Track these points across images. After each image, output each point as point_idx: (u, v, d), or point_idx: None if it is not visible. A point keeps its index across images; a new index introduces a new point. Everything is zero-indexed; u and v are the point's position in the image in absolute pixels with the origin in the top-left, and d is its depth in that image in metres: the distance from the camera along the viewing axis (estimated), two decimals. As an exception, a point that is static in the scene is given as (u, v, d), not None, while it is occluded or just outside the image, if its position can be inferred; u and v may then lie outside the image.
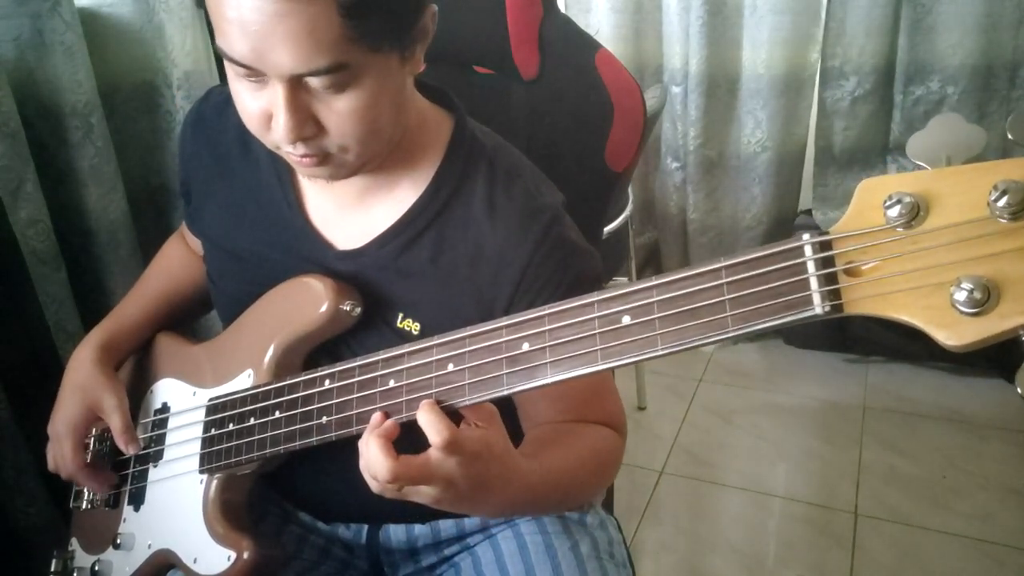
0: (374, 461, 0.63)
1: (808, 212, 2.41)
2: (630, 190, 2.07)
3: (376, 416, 0.67)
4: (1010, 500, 1.85)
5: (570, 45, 1.04)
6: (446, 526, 0.91)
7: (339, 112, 0.69)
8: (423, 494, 0.64)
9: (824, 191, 2.37)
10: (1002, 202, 0.43)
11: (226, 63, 0.69)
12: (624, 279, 2.21)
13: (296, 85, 0.67)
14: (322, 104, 0.69)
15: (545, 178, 0.85)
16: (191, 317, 1.06)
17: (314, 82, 0.67)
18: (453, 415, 0.65)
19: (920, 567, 1.70)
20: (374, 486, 0.64)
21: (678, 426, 2.16)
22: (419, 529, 0.91)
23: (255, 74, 0.67)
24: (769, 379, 2.35)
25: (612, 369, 0.58)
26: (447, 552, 0.93)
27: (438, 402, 0.64)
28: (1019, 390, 0.46)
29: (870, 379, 2.29)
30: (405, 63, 0.72)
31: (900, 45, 2.14)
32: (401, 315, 0.80)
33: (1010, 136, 0.47)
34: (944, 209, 0.46)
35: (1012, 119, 0.47)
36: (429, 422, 0.63)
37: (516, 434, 0.81)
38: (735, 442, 2.11)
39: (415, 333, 0.80)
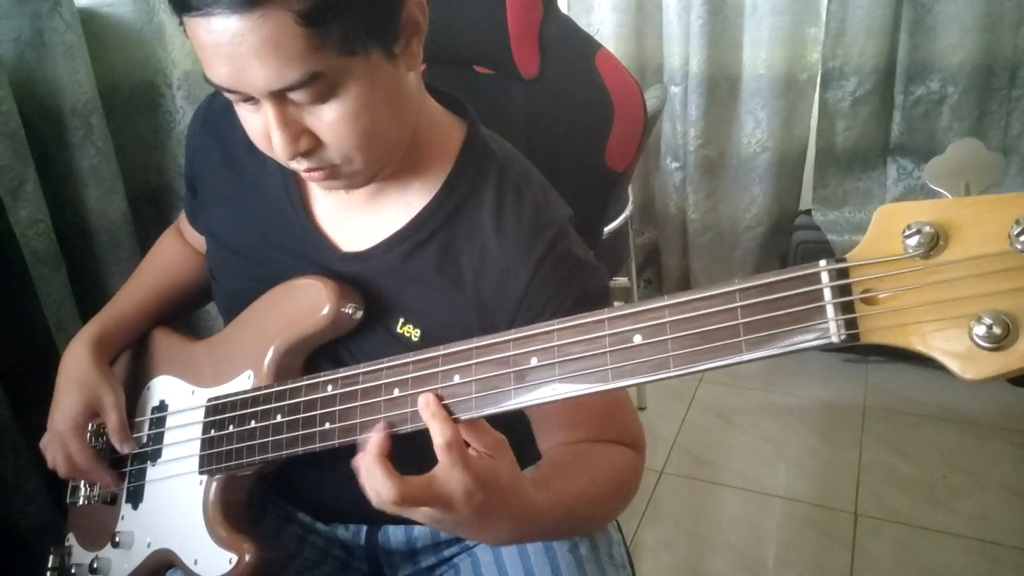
0: (379, 484, 0.61)
1: (808, 212, 2.41)
2: (630, 190, 2.07)
3: (374, 437, 0.65)
4: (1010, 500, 1.85)
5: (570, 45, 1.04)
6: None
7: (330, 122, 0.68)
8: (423, 514, 0.63)
9: (824, 192, 2.37)
10: None
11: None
12: (624, 279, 2.21)
13: (281, 101, 0.67)
14: (312, 117, 0.68)
15: (553, 191, 0.84)
16: (185, 312, 1.05)
17: (296, 96, 0.66)
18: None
19: (920, 567, 1.70)
20: (375, 502, 0.63)
21: (678, 426, 2.16)
22: (418, 530, 0.91)
23: (244, 97, 0.68)
24: (769, 379, 2.34)
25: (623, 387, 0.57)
26: (446, 553, 0.93)
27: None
28: None
29: (870, 379, 2.29)
30: (395, 60, 0.70)
31: (900, 45, 2.14)
32: (402, 320, 0.80)
33: None
34: (964, 240, 0.46)
35: None
36: (434, 424, 0.62)
37: (524, 445, 0.81)
38: (735, 442, 2.11)
39: (415, 340, 0.79)
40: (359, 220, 0.83)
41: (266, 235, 0.87)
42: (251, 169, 0.88)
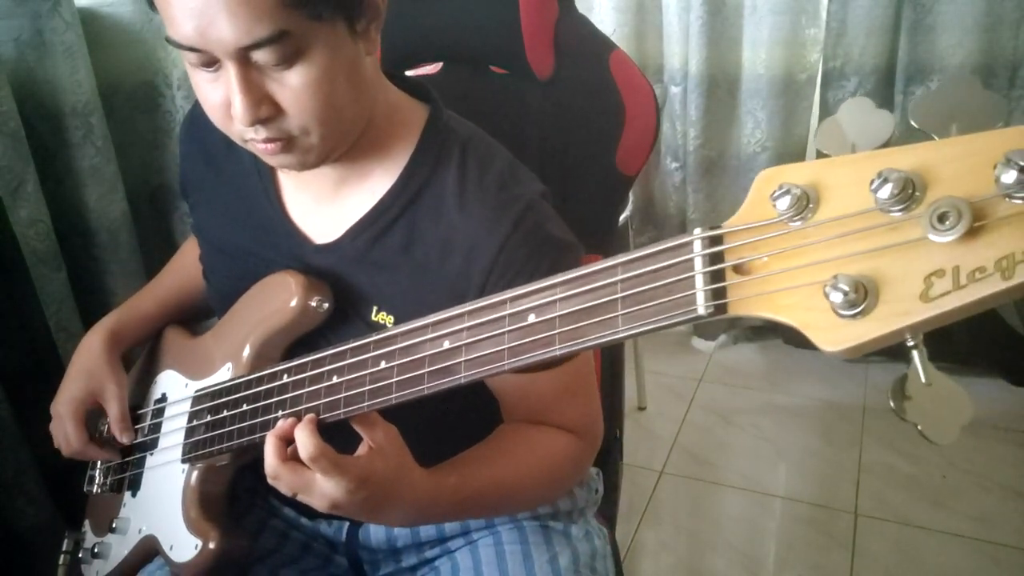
0: (266, 455, 0.67)
1: (808, 212, 2.41)
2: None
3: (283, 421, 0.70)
4: (1010, 500, 1.85)
5: (585, 45, 1.02)
6: (426, 528, 0.91)
7: (293, 88, 0.68)
8: (312, 504, 0.67)
9: (824, 191, 2.37)
10: (883, 192, 0.39)
11: (183, 57, 0.70)
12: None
13: (246, 63, 0.67)
14: (275, 83, 0.69)
15: (523, 167, 0.83)
16: (201, 316, 1.07)
17: (261, 57, 0.66)
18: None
19: (920, 567, 1.70)
20: (269, 480, 0.68)
21: (678, 426, 2.16)
22: (398, 530, 0.92)
23: (207, 59, 0.68)
24: (769, 379, 2.34)
25: (519, 369, 0.56)
26: (428, 554, 0.94)
27: (340, 406, 0.66)
28: (890, 404, 0.42)
29: (870, 379, 2.29)
30: (356, 38, 0.71)
31: (900, 45, 2.14)
32: (375, 308, 0.80)
33: (913, 123, 0.44)
34: (832, 201, 0.42)
35: (914, 104, 0.44)
36: (299, 438, 0.66)
37: (479, 421, 0.83)
38: (735, 442, 2.11)
39: (389, 326, 0.79)
40: (327, 211, 0.83)
41: (247, 232, 0.88)
42: (229, 168, 0.89)
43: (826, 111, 2.27)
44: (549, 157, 0.86)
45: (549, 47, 1.00)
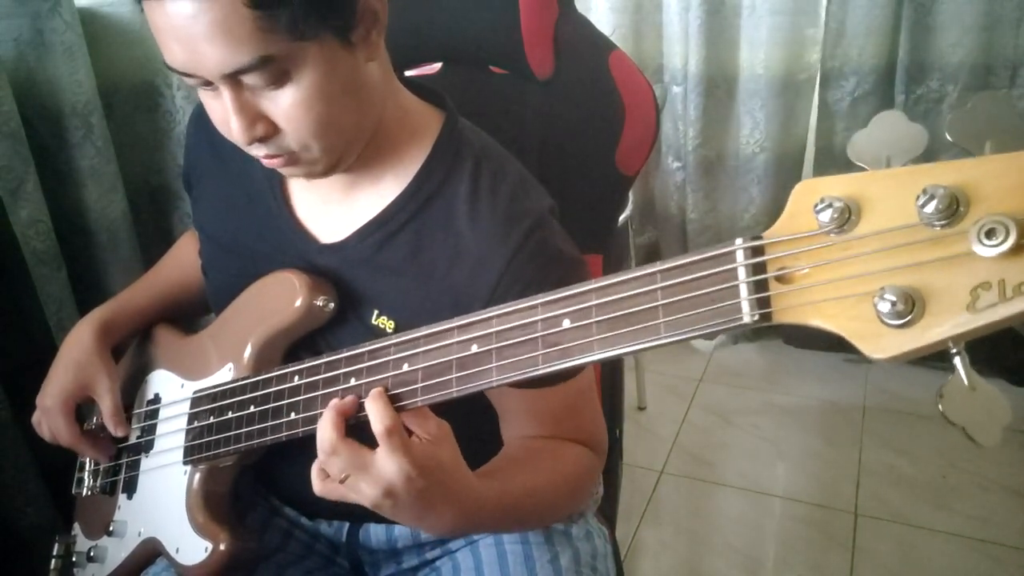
0: (322, 430, 0.63)
1: (808, 212, 2.41)
2: (630, 190, 2.07)
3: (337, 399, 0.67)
4: (1010, 500, 1.85)
5: (585, 45, 1.02)
6: None
7: (286, 107, 0.69)
8: (362, 493, 0.63)
9: (824, 191, 2.37)
10: (929, 208, 0.41)
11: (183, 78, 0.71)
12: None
13: (237, 86, 0.67)
14: (269, 102, 0.69)
15: (535, 182, 0.83)
16: (197, 312, 1.06)
17: (250, 80, 0.67)
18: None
19: (920, 567, 1.70)
20: (320, 461, 0.65)
21: (678, 426, 2.16)
22: (399, 530, 0.91)
23: (202, 81, 0.68)
24: (769, 379, 2.34)
25: (553, 373, 0.56)
26: (428, 556, 0.93)
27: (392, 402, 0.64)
28: (939, 407, 0.44)
29: (870, 379, 2.29)
30: (352, 48, 0.70)
31: (900, 45, 2.14)
32: (376, 312, 0.80)
33: (949, 137, 0.45)
34: (874, 214, 0.44)
35: (950, 121, 0.45)
36: (374, 409, 0.63)
37: (485, 439, 0.81)
38: (735, 442, 2.11)
39: (389, 331, 0.79)
40: (335, 212, 0.83)
41: (251, 229, 0.88)
42: (237, 163, 0.89)
43: (825, 111, 2.28)
44: (549, 157, 0.86)
45: (549, 47, 1.00)
